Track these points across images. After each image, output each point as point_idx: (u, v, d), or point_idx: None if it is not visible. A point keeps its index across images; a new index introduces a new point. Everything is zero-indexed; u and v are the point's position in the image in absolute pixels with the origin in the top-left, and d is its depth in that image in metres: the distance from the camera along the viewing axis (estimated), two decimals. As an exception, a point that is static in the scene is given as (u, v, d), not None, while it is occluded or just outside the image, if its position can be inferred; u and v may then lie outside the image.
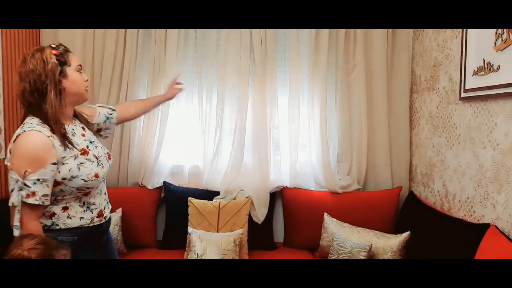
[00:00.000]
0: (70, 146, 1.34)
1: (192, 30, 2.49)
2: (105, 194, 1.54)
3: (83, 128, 1.50)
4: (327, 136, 2.49)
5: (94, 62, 2.46)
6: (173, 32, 2.45)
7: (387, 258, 2.03)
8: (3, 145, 2.17)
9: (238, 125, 2.47)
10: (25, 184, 1.23)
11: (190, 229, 2.18)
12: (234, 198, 2.39)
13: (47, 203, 1.28)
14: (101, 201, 1.48)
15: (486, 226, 1.60)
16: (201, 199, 2.36)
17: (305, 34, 2.50)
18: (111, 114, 1.69)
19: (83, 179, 1.35)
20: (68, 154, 1.34)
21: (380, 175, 2.54)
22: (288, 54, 2.53)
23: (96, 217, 1.45)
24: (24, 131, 1.27)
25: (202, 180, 2.50)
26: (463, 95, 1.89)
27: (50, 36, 2.46)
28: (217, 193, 2.43)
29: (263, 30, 2.45)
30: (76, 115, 1.50)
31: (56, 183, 1.32)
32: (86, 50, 2.45)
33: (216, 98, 2.51)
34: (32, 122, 1.30)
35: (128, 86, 2.47)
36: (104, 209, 1.50)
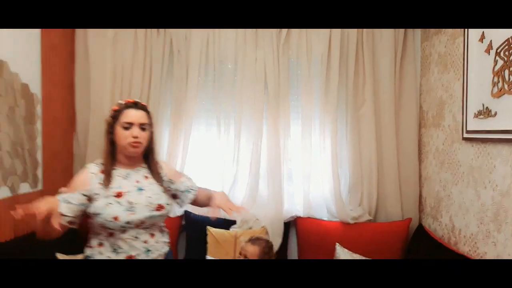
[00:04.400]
0: (107, 186, 1.52)
1: (211, 67, 2.67)
2: (145, 242, 1.54)
3: (145, 176, 1.62)
4: (338, 168, 2.62)
5: (122, 99, 2.66)
6: (194, 70, 2.64)
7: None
8: (41, 177, 2.38)
9: (253, 157, 2.63)
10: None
11: (208, 258, 2.33)
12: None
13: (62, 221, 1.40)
14: (134, 247, 1.51)
15: (485, 264, 1.69)
16: (219, 227, 2.51)
17: (317, 69, 2.65)
18: (191, 190, 1.74)
19: (103, 218, 1.48)
20: (102, 192, 1.51)
21: (390, 206, 2.63)
22: (300, 89, 2.68)
23: None
24: (85, 165, 1.64)
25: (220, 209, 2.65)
26: (465, 135, 1.99)
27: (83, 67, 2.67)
28: (234, 222, 2.58)
29: (276, 65, 2.62)
30: (151, 166, 1.65)
31: (88, 216, 1.52)
32: (115, 89, 2.66)
33: (233, 131, 2.68)
34: (97, 160, 1.62)
35: (153, 121, 2.66)
36: (136, 255, 1.51)
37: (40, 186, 2.37)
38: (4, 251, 1.85)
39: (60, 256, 2.20)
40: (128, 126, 1.53)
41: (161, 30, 2.64)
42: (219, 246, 2.42)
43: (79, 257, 2.26)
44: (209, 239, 2.46)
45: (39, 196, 2.31)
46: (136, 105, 1.58)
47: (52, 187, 2.49)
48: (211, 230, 2.48)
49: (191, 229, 2.63)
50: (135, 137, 1.53)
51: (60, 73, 2.58)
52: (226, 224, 2.58)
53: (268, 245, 1.78)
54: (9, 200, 2.04)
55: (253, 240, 1.70)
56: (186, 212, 2.66)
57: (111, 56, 2.65)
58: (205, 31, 2.63)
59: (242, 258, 1.72)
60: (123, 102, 1.59)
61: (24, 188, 2.20)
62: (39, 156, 2.35)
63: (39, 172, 2.36)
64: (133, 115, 1.54)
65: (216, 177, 2.70)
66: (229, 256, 2.38)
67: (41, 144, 2.37)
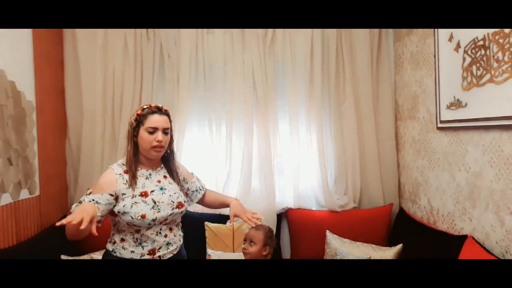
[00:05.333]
0: (133, 186, 1.60)
1: (201, 70, 2.79)
2: (165, 236, 1.66)
3: (164, 176, 1.73)
4: (324, 161, 2.81)
5: (114, 103, 2.73)
6: (184, 73, 2.75)
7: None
8: (38, 183, 2.41)
9: (245, 155, 2.77)
10: (83, 200, 1.53)
11: (209, 251, 2.45)
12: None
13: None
14: (156, 241, 1.62)
15: (464, 237, 1.92)
16: (216, 222, 2.64)
17: (301, 70, 2.83)
18: (200, 190, 1.92)
19: (131, 216, 1.56)
20: (128, 192, 1.59)
21: (373, 194, 2.86)
22: (286, 88, 2.86)
23: (147, 254, 1.60)
24: (109, 167, 1.66)
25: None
26: (439, 125, 2.23)
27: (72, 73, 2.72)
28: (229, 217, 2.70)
29: (263, 67, 2.78)
30: (169, 166, 1.75)
31: (114, 214, 1.59)
32: (107, 93, 2.72)
33: (225, 131, 2.81)
34: (118, 162, 1.68)
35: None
36: (159, 249, 1.63)
37: (37, 192, 2.40)
38: (7, 257, 1.88)
39: (65, 257, 2.25)
40: (153, 130, 1.61)
41: (151, 35, 2.73)
42: (218, 239, 2.55)
43: (84, 258, 2.33)
44: (207, 233, 2.58)
45: (37, 202, 2.37)
46: (160, 110, 1.64)
47: (48, 193, 2.53)
48: (209, 225, 2.60)
49: (188, 226, 2.71)
50: (159, 141, 1.61)
51: (52, 80, 2.61)
52: (222, 218, 2.70)
53: (270, 229, 1.95)
54: (10, 206, 2.08)
55: (256, 227, 1.87)
56: (182, 210, 2.76)
57: (101, 62, 2.71)
58: (193, 35, 2.75)
59: (247, 243, 1.87)
60: (146, 106, 1.65)
61: (24, 194, 2.23)
62: (35, 162, 2.38)
63: (36, 178, 2.39)
64: (158, 121, 1.61)
65: (210, 175, 2.81)
66: (229, 248, 2.51)
67: (37, 151, 2.40)
